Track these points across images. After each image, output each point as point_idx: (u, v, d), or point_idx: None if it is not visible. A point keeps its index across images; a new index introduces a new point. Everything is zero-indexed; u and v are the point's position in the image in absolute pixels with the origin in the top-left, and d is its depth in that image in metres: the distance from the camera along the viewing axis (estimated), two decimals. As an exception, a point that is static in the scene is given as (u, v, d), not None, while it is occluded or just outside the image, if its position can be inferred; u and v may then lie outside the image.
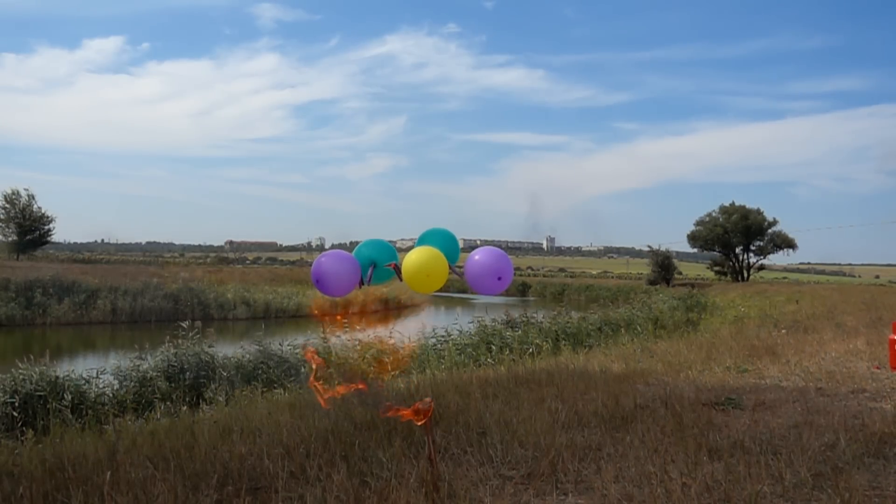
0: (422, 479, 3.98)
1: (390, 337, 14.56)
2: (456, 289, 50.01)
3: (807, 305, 25.61)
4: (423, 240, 5.21)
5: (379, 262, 5.02)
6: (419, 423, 3.85)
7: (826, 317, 18.26)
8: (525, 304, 38.74)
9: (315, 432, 5.28)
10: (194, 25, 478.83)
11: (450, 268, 5.11)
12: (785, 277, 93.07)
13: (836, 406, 6.22)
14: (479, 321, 16.62)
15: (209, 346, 12.37)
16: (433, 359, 13.16)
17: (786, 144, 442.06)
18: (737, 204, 66.81)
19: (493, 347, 14.20)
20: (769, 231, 66.04)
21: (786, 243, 66.19)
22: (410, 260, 4.89)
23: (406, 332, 15.13)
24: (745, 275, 67.81)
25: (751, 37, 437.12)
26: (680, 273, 74.65)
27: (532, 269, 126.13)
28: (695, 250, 73.04)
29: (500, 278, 4.84)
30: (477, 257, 4.99)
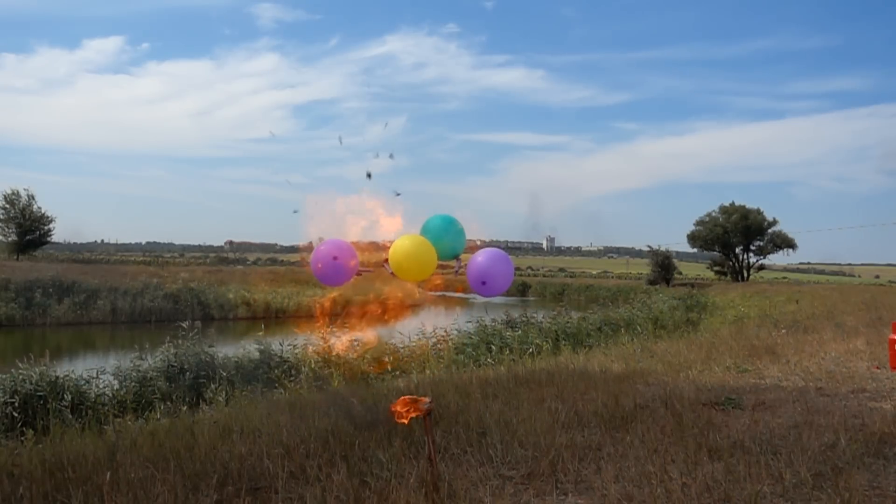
0: (422, 479, 3.98)
1: (391, 337, 14.55)
2: (455, 289, 49.93)
3: (807, 305, 25.60)
4: (424, 228, 5.22)
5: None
6: (408, 419, 3.84)
7: (826, 317, 18.25)
8: (525, 304, 38.71)
9: (315, 432, 5.28)
10: (194, 25, 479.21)
11: (456, 266, 5.10)
12: (785, 277, 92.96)
13: (836, 406, 6.22)
14: (479, 321, 16.62)
15: (209, 347, 12.36)
16: (433, 359, 13.16)
17: (786, 144, 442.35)
18: (737, 204, 66.88)
19: (493, 347, 14.20)
20: (769, 231, 66.08)
21: (786, 243, 66.20)
22: (395, 246, 4.89)
23: (406, 332, 15.12)
24: (745, 275, 67.80)
25: (751, 37, 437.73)
26: (680, 273, 74.60)
27: (532, 269, 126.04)
28: (695, 250, 73.11)
29: (483, 283, 4.84)
30: (479, 259, 5.00)
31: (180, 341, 12.16)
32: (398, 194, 5.26)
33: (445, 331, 15.50)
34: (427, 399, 3.95)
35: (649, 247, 74.13)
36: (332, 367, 12.09)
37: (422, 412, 3.83)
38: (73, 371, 10.82)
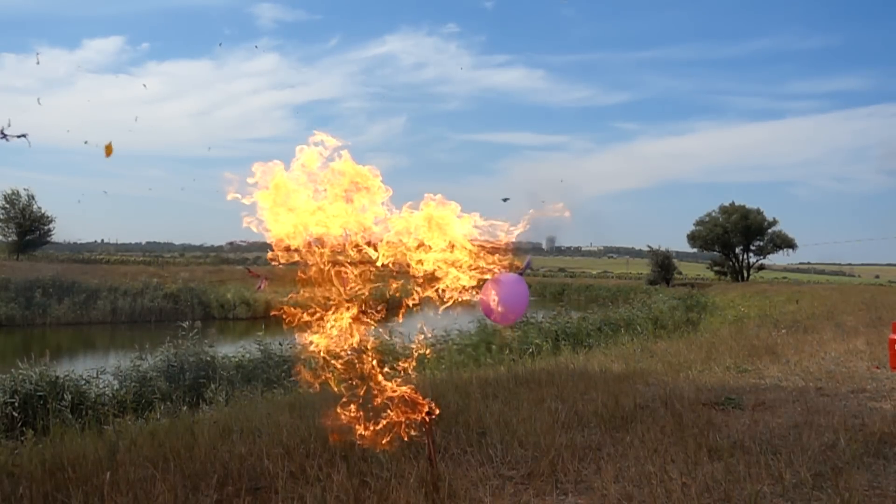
0: (422, 479, 3.98)
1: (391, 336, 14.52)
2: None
3: (807, 305, 25.60)
4: None
5: None
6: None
7: (826, 317, 18.25)
8: (525, 304, 38.63)
9: (315, 432, 5.27)
10: (194, 25, 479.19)
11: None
12: (785, 277, 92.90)
13: (836, 406, 6.22)
14: (479, 321, 16.62)
15: (209, 346, 12.37)
16: (433, 359, 13.16)
17: (786, 144, 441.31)
18: (737, 204, 66.92)
19: (493, 347, 14.21)
20: (769, 231, 66.12)
21: (785, 243, 66.23)
22: None
23: (405, 332, 15.12)
24: (745, 275, 67.81)
25: (751, 37, 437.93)
26: (680, 273, 74.62)
27: (532, 269, 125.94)
28: (695, 250, 73.14)
29: (488, 313, 4.70)
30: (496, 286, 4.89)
31: (180, 341, 12.17)
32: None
33: (445, 331, 15.49)
34: (427, 402, 3.94)
35: (649, 247, 74.12)
36: (331, 368, 12.07)
37: (426, 420, 3.83)
38: (73, 371, 10.83)
